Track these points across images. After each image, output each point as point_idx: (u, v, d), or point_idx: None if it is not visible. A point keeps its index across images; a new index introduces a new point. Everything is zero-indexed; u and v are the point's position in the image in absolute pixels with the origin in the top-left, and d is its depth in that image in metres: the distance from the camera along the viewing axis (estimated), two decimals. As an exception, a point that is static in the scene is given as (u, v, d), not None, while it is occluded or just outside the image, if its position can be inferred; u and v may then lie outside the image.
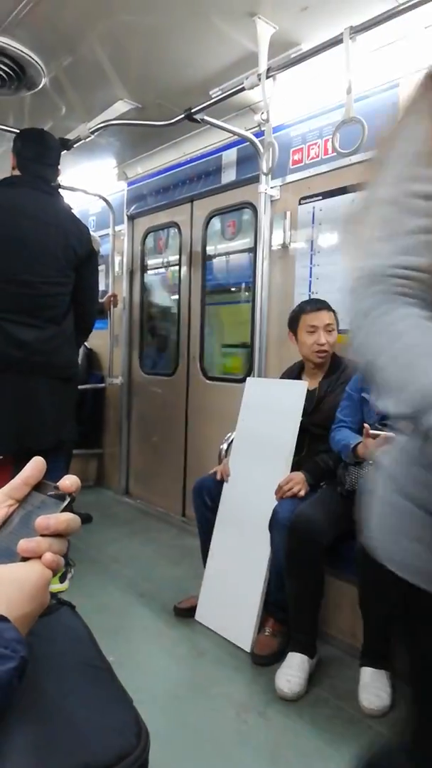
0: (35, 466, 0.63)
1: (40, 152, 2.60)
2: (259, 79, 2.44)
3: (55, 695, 0.55)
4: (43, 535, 0.58)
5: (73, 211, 2.87)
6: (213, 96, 2.79)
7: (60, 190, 4.11)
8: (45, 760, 0.48)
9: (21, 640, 0.49)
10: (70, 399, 2.77)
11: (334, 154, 2.72)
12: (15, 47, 2.55)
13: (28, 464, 0.63)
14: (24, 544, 0.56)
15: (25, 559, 0.57)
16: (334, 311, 2.53)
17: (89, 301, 2.79)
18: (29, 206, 2.49)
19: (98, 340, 4.63)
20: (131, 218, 4.42)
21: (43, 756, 0.48)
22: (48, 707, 0.53)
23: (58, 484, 0.62)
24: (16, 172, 2.59)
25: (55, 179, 2.67)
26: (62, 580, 2.75)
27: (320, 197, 2.88)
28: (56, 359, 2.55)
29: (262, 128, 2.74)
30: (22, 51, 2.58)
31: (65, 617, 0.70)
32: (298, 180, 2.98)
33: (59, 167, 2.73)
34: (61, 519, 0.59)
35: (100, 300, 4.32)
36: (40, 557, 0.56)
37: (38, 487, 0.63)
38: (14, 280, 2.41)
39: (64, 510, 0.60)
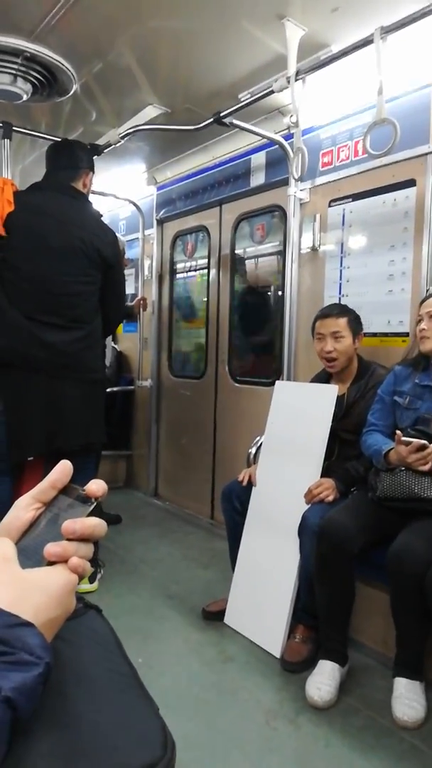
0: (62, 469, 0.63)
1: (59, 158, 2.67)
2: (288, 82, 2.42)
3: (79, 702, 0.54)
4: (69, 540, 0.58)
5: (103, 217, 2.89)
6: (242, 99, 2.79)
7: (90, 195, 4.19)
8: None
9: (46, 646, 0.48)
10: (98, 401, 2.78)
11: (365, 155, 2.70)
12: (46, 54, 2.59)
13: (55, 468, 0.63)
14: (50, 549, 0.56)
15: (51, 563, 0.56)
16: (352, 316, 2.49)
17: (113, 308, 2.80)
18: (53, 207, 2.53)
19: (128, 343, 4.68)
20: (160, 222, 4.44)
21: (66, 764, 0.47)
22: (72, 714, 0.53)
23: (84, 488, 0.62)
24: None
25: (77, 180, 2.67)
26: (92, 580, 2.78)
27: (350, 199, 2.85)
28: (80, 362, 2.56)
29: (292, 131, 2.72)
30: (53, 58, 2.62)
31: (91, 621, 0.70)
32: (328, 182, 2.96)
33: (86, 170, 2.73)
34: (88, 524, 0.58)
35: (130, 303, 4.37)
36: (66, 561, 0.56)
37: (65, 491, 0.63)
38: (37, 279, 2.44)
39: (91, 514, 0.60)
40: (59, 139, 3.13)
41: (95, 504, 0.61)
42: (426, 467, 1.94)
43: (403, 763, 1.67)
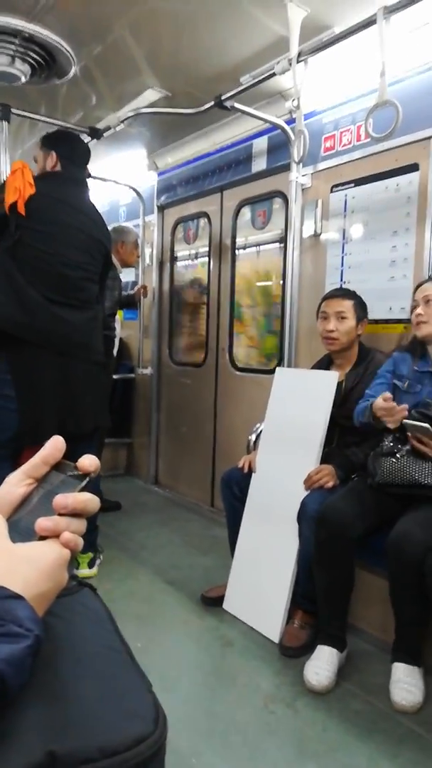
0: (54, 445, 0.62)
1: (77, 154, 2.73)
2: (290, 64, 2.39)
3: (71, 677, 0.54)
4: (61, 515, 0.57)
5: (98, 202, 3.01)
6: (243, 82, 2.75)
7: (91, 180, 4.20)
8: (57, 741, 0.47)
9: (36, 618, 0.48)
10: (103, 384, 2.88)
11: (367, 140, 2.67)
12: (45, 35, 2.56)
13: (47, 443, 0.62)
14: (42, 523, 0.55)
15: (43, 538, 0.56)
16: (357, 301, 2.50)
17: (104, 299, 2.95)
18: (71, 197, 2.60)
19: (128, 330, 4.66)
20: (161, 209, 4.41)
21: (55, 737, 0.47)
22: (63, 688, 0.52)
23: (77, 464, 0.61)
24: (57, 169, 2.63)
25: (85, 176, 2.82)
26: (91, 566, 2.78)
27: (353, 184, 2.83)
28: (91, 342, 2.63)
29: (293, 115, 2.69)
30: (52, 39, 2.59)
31: (85, 599, 0.69)
32: (330, 167, 2.93)
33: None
34: (80, 498, 0.58)
35: (131, 291, 4.37)
36: (58, 536, 0.56)
37: (57, 467, 0.63)
38: (56, 262, 2.48)
39: (83, 490, 0.60)
40: (64, 128, 3.15)
41: (87, 479, 0.61)
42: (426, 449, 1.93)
43: (401, 747, 1.67)
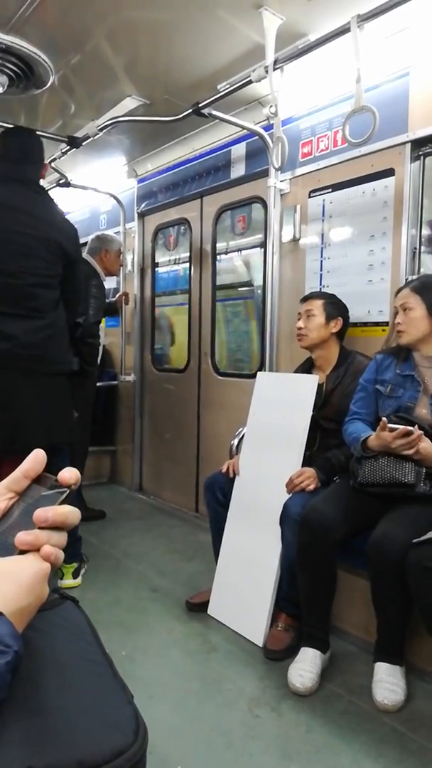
0: (35, 459, 0.63)
1: (11, 150, 2.51)
2: (267, 72, 2.42)
3: (51, 690, 0.54)
4: (41, 528, 0.57)
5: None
6: (221, 90, 2.77)
7: (71, 188, 4.15)
8: (36, 755, 0.47)
9: (15, 634, 0.48)
10: (64, 397, 2.60)
11: (344, 145, 2.70)
12: (22, 46, 2.55)
13: (27, 457, 0.63)
14: (22, 537, 0.56)
15: (23, 552, 0.56)
16: (328, 300, 2.56)
17: (72, 302, 2.71)
18: (13, 200, 2.43)
19: (111, 337, 4.66)
20: (141, 216, 4.42)
21: (34, 751, 0.47)
22: (43, 702, 0.53)
23: (57, 477, 0.62)
24: None
25: (38, 177, 2.59)
26: (75, 576, 2.77)
27: (330, 190, 2.86)
28: (47, 353, 2.45)
29: (271, 121, 2.72)
30: (29, 50, 2.59)
31: (67, 612, 0.70)
32: (308, 173, 2.96)
33: (44, 164, 2.68)
34: (60, 511, 0.58)
35: (112, 299, 4.34)
36: (38, 550, 0.56)
37: (38, 480, 0.63)
38: None
39: (63, 502, 0.60)
40: (16, 127, 2.95)
41: (68, 492, 0.61)
42: (411, 451, 1.94)
43: (384, 746, 1.69)
